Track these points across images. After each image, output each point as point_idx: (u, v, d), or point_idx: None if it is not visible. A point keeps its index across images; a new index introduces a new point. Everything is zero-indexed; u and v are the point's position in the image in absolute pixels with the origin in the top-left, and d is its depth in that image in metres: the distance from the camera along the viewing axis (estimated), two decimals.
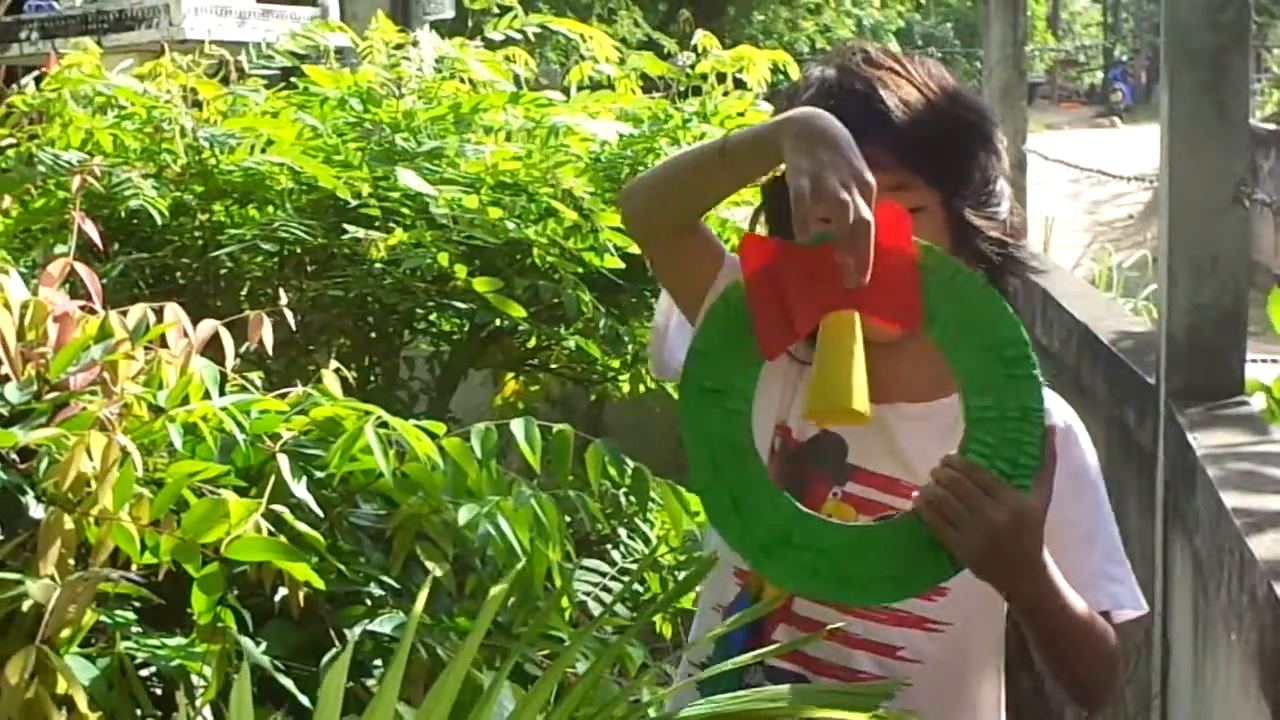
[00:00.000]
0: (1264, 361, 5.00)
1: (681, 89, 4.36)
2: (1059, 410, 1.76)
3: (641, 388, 4.19)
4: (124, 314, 2.53)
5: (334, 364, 2.71)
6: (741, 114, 4.19)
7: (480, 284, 3.50)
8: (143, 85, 3.96)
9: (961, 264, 1.64)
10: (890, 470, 1.77)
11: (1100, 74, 38.67)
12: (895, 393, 1.75)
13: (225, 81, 4.26)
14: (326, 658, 2.21)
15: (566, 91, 4.39)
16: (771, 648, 1.73)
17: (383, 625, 2.31)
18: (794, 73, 4.32)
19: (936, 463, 1.63)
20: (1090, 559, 1.76)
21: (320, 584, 2.21)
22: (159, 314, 2.57)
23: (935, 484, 1.58)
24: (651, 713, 1.76)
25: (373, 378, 4.01)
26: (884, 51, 1.79)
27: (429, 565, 2.37)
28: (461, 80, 4.19)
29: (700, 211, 1.81)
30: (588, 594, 2.84)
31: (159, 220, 3.55)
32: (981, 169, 1.78)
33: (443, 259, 3.45)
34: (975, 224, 1.75)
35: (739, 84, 4.31)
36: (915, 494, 1.61)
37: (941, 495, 1.58)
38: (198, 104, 4.00)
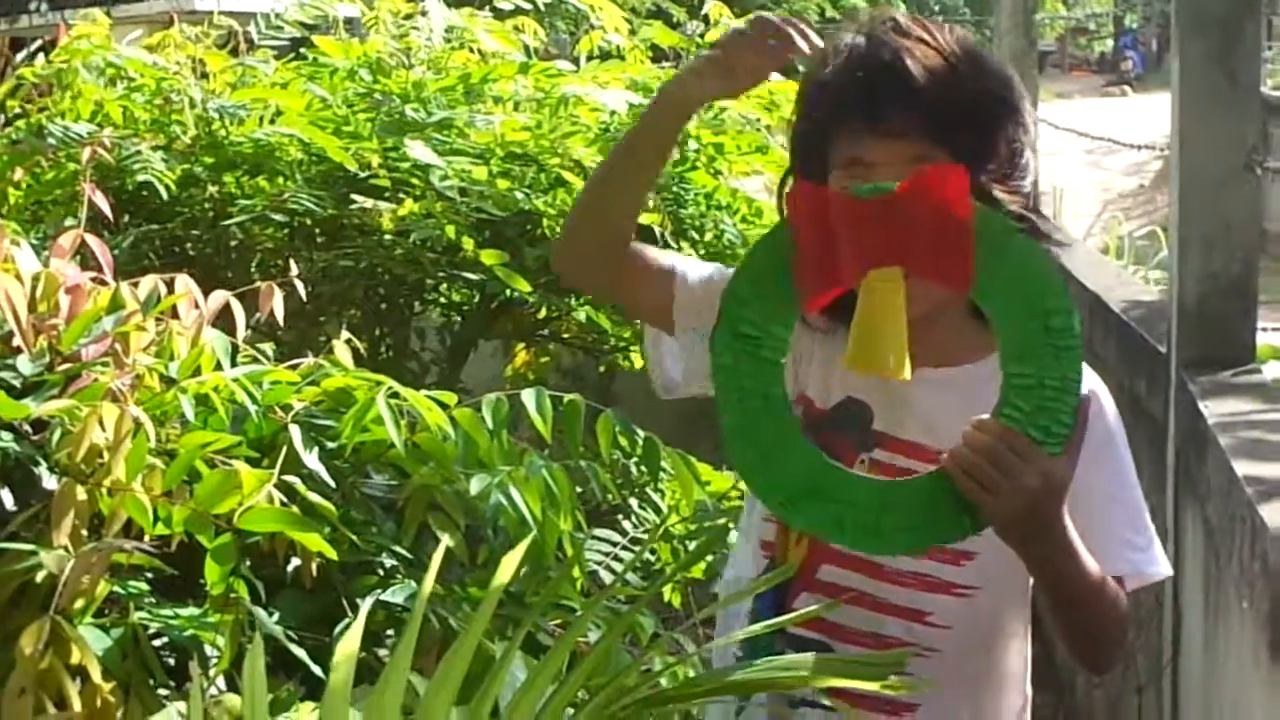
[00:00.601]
0: (1275, 330, 4.99)
1: (691, 58, 4.35)
2: (1084, 375, 1.75)
3: None
4: (135, 285, 2.54)
5: (345, 335, 2.72)
6: None
7: (488, 256, 3.50)
8: (152, 57, 3.96)
9: (1017, 229, 1.63)
10: (917, 436, 1.76)
11: (1111, 42, 38.51)
12: (922, 358, 1.73)
13: (234, 52, 4.26)
14: (339, 628, 2.22)
15: (576, 61, 4.38)
16: (795, 614, 1.73)
17: (395, 595, 2.32)
18: None
19: (961, 428, 1.63)
20: (1110, 524, 1.76)
21: (332, 554, 2.21)
22: (170, 285, 2.57)
23: (967, 446, 1.58)
24: (664, 682, 1.76)
25: (383, 348, 4.01)
26: (914, 20, 1.77)
27: (441, 535, 2.37)
28: (471, 50, 4.18)
29: (630, 217, 1.85)
30: (599, 564, 2.84)
31: (166, 194, 3.55)
32: (1008, 141, 1.76)
33: (450, 231, 3.45)
34: (1000, 198, 1.74)
35: None
36: (944, 455, 1.61)
37: (974, 459, 1.58)
38: (206, 75, 4.00)
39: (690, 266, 1.89)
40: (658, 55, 4.55)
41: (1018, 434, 1.58)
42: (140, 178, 3.52)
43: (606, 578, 2.76)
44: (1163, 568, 1.79)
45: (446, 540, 2.35)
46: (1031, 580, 1.77)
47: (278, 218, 3.61)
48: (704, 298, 1.83)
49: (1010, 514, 1.58)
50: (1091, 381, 1.78)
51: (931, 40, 1.75)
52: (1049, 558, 1.64)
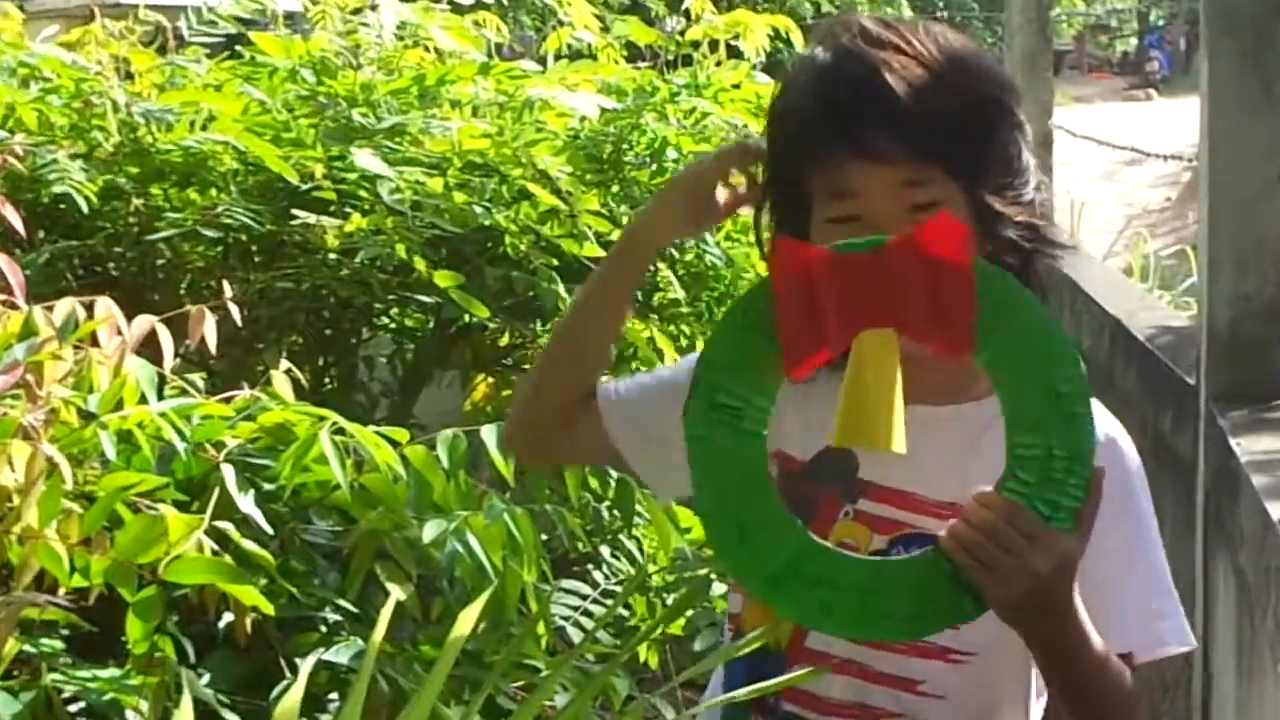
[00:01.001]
0: None
1: (670, 58, 4.37)
2: (1100, 419, 1.73)
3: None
4: (50, 309, 2.53)
5: (284, 364, 2.72)
6: (737, 86, 4.20)
7: (442, 277, 3.50)
8: (70, 55, 3.96)
9: (1023, 287, 1.63)
10: (905, 483, 1.76)
11: (1134, 41, 38.72)
12: (914, 394, 1.73)
13: (162, 51, 4.26)
14: (276, 690, 2.21)
15: (543, 61, 4.39)
16: (769, 684, 1.73)
17: (339, 654, 2.31)
18: (797, 40, 4.34)
19: (957, 475, 1.65)
20: (1128, 592, 1.75)
21: (269, 608, 2.21)
22: (89, 309, 2.57)
23: (969, 525, 1.58)
24: None
25: (327, 379, 4.00)
26: (883, 24, 1.76)
27: (390, 587, 2.37)
28: (426, 49, 4.19)
29: (597, 370, 1.90)
30: (566, 619, 2.84)
31: (87, 206, 3.55)
32: (1005, 148, 1.77)
33: (400, 250, 3.45)
34: (1002, 212, 1.75)
35: (734, 53, 4.31)
36: (943, 531, 1.61)
37: (975, 538, 1.58)
38: (131, 76, 4.00)
39: (620, 381, 1.94)
40: (633, 54, 4.57)
41: (1024, 510, 1.58)
42: (57, 189, 3.51)
43: (575, 635, 2.77)
44: (1187, 639, 1.79)
45: (397, 593, 2.35)
46: None
47: (210, 234, 3.61)
48: (640, 400, 1.88)
49: (1015, 598, 1.58)
50: (1109, 426, 1.79)
51: (908, 47, 1.73)
52: (1051, 641, 1.65)
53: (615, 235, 3.73)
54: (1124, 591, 1.74)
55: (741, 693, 1.72)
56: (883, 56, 1.72)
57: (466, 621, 1.50)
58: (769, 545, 1.62)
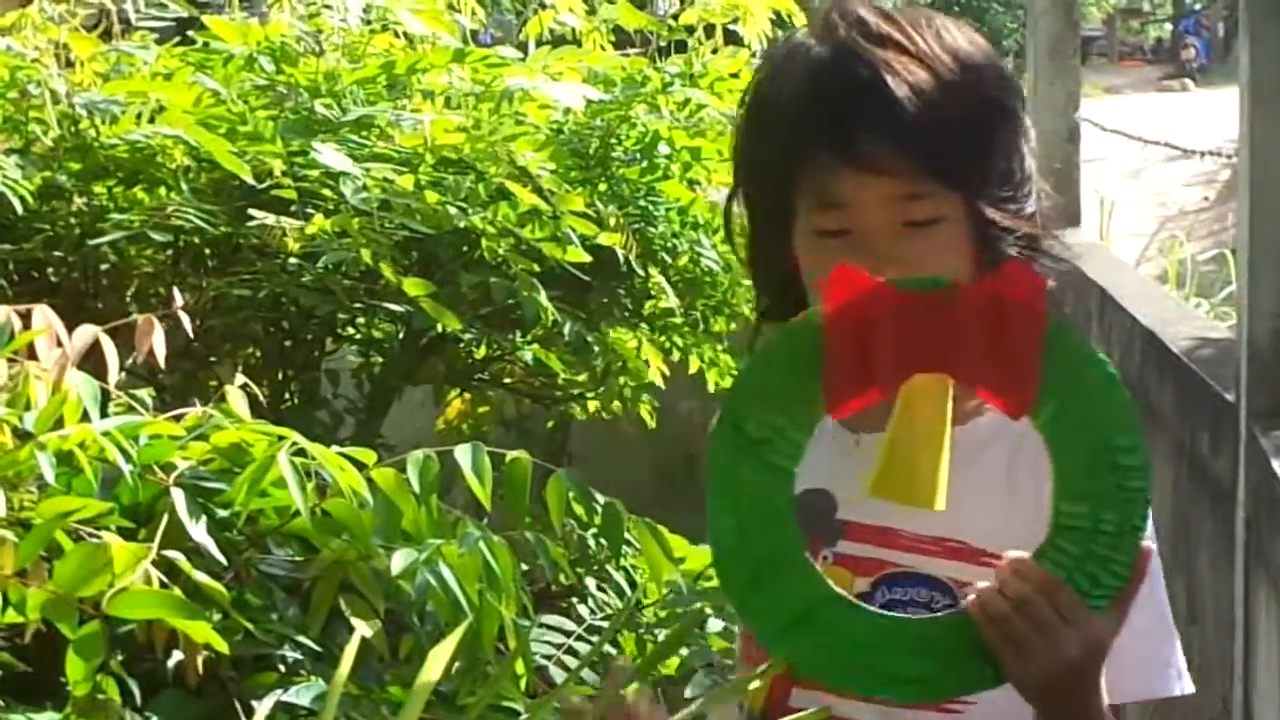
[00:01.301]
0: None
1: (662, 44, 4.37)
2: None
3: (615, 406, 4.20)
4: None
5: (240, 379, 2.72)
6: (735, 74, 4.21)
7: (411, 285, 3.50)
8: (4, 41, 3.96)
9: (1093, 347, 1.63)
10: (887, 519, 1.75)
11: (1169, 26, 38.84)
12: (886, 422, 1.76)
13: (106, 36, 4.26)
14: None
15: (523, 48, 4.40)
16: None
17: (299, 695, 2.31)
18: (801, 24, 4.34)
19: (959, 504, 1.65)
20: (1135, 641, 1.76)
21: (223, 646, 2.21)
22: (25, 318, 2.57)
23: (1001, 594, 1.58)
24: None
25: (287, 395, 4.01)
26: (884, 17, 1.74)
27: (355, 623, 2.37)
28: (396, 34, 4.20)
29: None
30: (548, 657, 2.84)
31: (23, 206, 3.54)
32: (1008, 157, 1.76)
33: (366, 255, 3.45)
34: (1004, 224, 1.75)
35: (732, 38, 4.32)
36: (971, 597, 1.61)
37: (1008, 614, 1.58)
38: (72, 64, 4.00)
39: None
40: (622, 40, 4.57)
41: (1063, 586, 1.58)
42: None
43: (558, 675, 2.77)
44: (1186, 686, 1.80)
45: (362, 628, 2.35)
46: None
47: (159, 236, 3.61)
48: None
49: (1039, 680, 1.59)
50: None
51: (911, 45, 1.72)
52: (1065, 712, 1.64)
53: (601, 238, 3.74)
54: (1131, 639, 1.75)
55: None
56: (884, 56, 1.70)
57: (439, 660, 1.50)
58: (785, 591, 1.62)
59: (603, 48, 4.38)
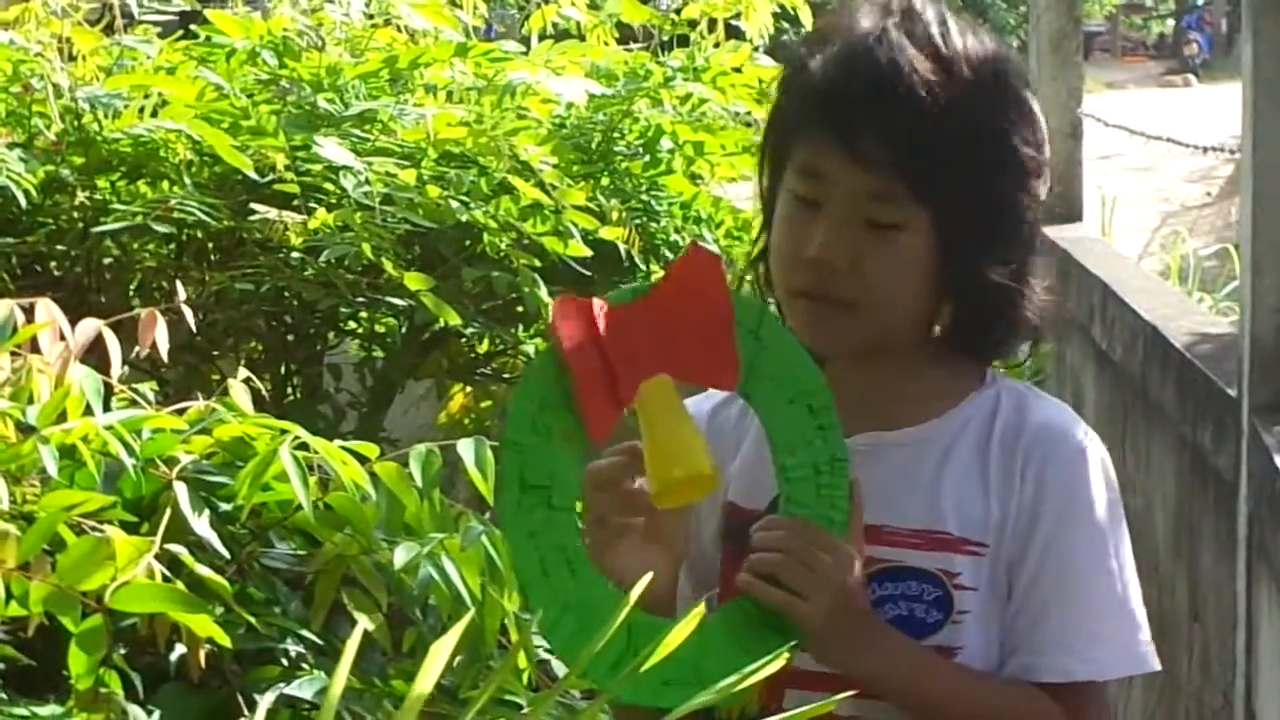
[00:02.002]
0: None
1: (665, 39, 4.37)
2: (1060, 425, 1.82)
3: None
4: None
5: (243, 372, 2.71)
6: (738, 69, 4.20)
7: (413, 280, 3.50)
8: (8, 35, 3.95)
9: (767, 308, 1.78)
10: (871, 517, 1.78)
11: (1171, 21, 38.83)
12: (861, 423, 1.80)
13: (109, 30, 4.26)
14: None
15: (525, 43, 4.39)
16: None
17: (301, 689, 2.31)
18: (806, 19, 4.35)
19: (924, 499, 1.75)
20: (1068, 612, 1.78)
21: (225, 640, 2.21)
22: (29, 312, 2.56)
23: (762, 549, 1.69)
24: None
25: (290, 389, 4.01)
26: (939, 19, 1.78)
27: (358, 616, 2.37)
28: (398, 28, 4.19)
29: None
30: (551, 651, 2.84)
31: (25, 200, 3.54)
32: (1001, 192, 1.78)
33: (367, 249, 3.45)
34: (975, 258, 1.77)
35: (734, 33, 4.32)
36: (740, 575, 1.70)
37: (779, 561, 1.68)
38: (75, 58, 4.00)
39: None
40: (625, 35, 4.57)
41: (810, 524, 1.71)
42: None
43: (560, 669, 2.76)
44: (1131, 667, 1.81)
45: (365, 622, 2.35)
46: None
47: (162, 229, 3.60)
48: None
49: (826, 614, 1.68)
50: (1072, 431, 1.83)
51: (945, 49, 1.76)
52: (882, 667, 1.72)
53: (603, 232, 3.74)
54: (1061, 609, 1.78)
55: None
56: (912, 55, 1.75)
57: (441, 654, 1.50)
58: (598, 625, 1.68)
59: (606, 42, 4.37)
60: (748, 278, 1.90)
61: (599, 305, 1.71)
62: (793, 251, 1.79)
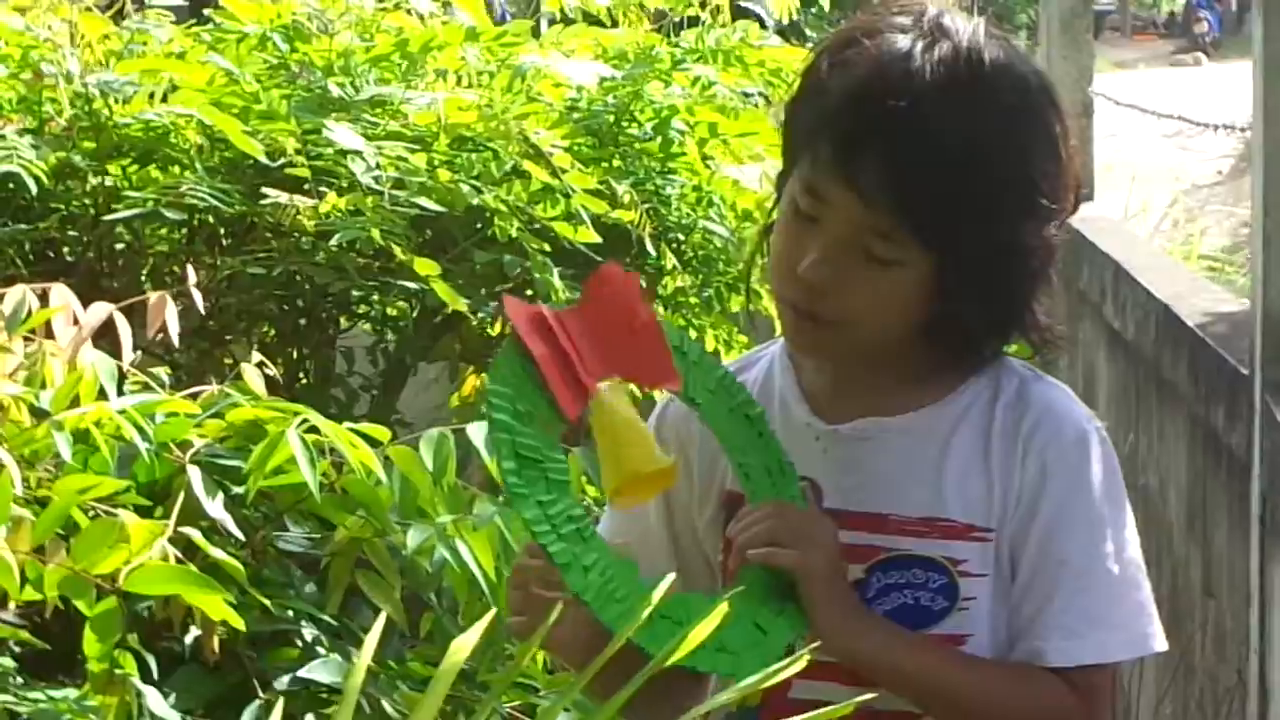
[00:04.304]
0: None
1: (677, 20, 4.36)
2: (1061, 408, 1.81)
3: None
4: None
5: (255, 356, 2.72)
6: (752, 47, 4.19)
7: (422, 265, 3.49)
8: (19, 19, 3.95)
9: (681, 332, 1.88)
10: (875, 505, 1.78)
11: (1181, 0, 38.71)
12: (860, 408, 1.80)
13: (120, 16, 4.26)
14: (248, 711, 2.21)
15: (536, 26, 4.38)
16: None
17: (314, 671, 2.31)
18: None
19: (928, 485, 1.76)
20: (1072, 593, 1.77)
21: (239, 622, 2.21)
22: (43, 297, 2.56)
23: (746, 523, 1.73)
24: None
25: (302, 373, 4.00)
26: (972, 45, 1.72)
27: (377, 601, 2.37)
28: (408, 11, 4.18)
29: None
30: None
31: (36, 186, 3.54)
32: (1010, 224, 1.73)
33: (375, 234, 3.45)
34: (973, 299, 1.75)
35: (742, 12, 4.30)
36: (733, 557, 1.74)
37: (763, 531, 1.72)
38: (86, 43, 3.99)
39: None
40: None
41: (780, 501, 1.76)
42: (3, 168, 3.50)
43: None
44: (1145, 646, 1.80)
45: (385, 608, 2.35)
46: None
47: (172, 215, 3.60)
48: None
49: (824, 566, 1.71)
50: (1073, 418, 1.81)
51: (971, 77, 1.70)
52: (890, 650, 1.73)
53: (616, 214, 3.72)
54: (1064, 593, 1.77)
55: None
56: (935, 97, 1.69)
57: (463, 648, 1.49)
58: (624, 584, 1.72)
59: (640, 23, 4.35)
60: (760, 259, 1.88)
61: (544, 309, 1.79)
62: (785, 263, 1.76)
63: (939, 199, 1.69)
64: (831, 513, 1.79)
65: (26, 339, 2.48)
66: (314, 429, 2.40)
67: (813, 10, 9.08)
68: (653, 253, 3.89)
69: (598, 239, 3.69)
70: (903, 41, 1.73)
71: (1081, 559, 1.77)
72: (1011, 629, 1.78)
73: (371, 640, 1.47)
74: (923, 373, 1.81)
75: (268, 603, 2.33)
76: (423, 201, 3.54)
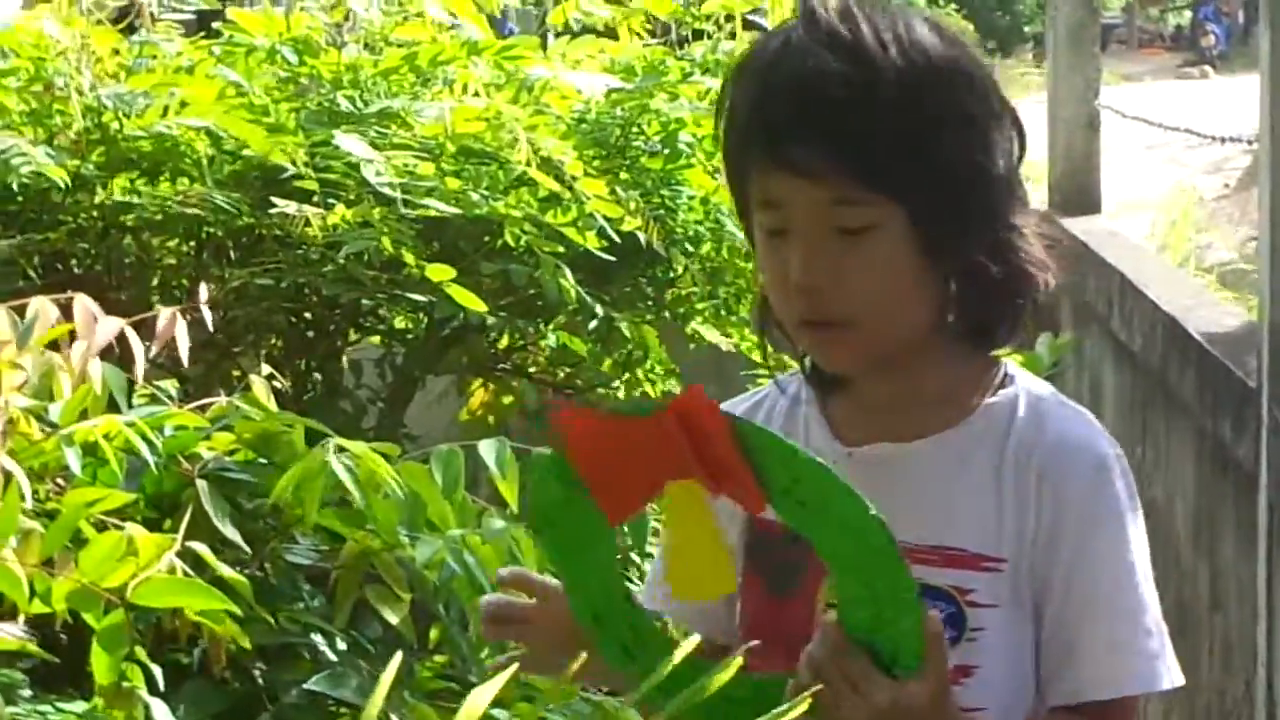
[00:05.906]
0: None
1: (684, 33, 4.36)
2: (1077, 438, 1.79)
3: (639, 394, 4.18)
4: (20, 311, 2.53)
5: (264, 369, 2.71)
6: None
7: (435, 271, 3.49)
8: (51, 24, 3.94)
9: (781, 437, 1.68)
10: (901, 533, 1.76)
11: (1188, 13, 38.72)
12: (874, 432, 1.79)
13: (131, 30, 4.26)
14: None
15: (543, 39, 4.38)
16: None
17: (323, 684, 2.31)
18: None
19: (941, 511, 1.73)
20: (1096, 627, 1.76)
21: (243, 638, 2.20)
22: (65, 309, 2.56)
23: (805, 662, 1.65)
24: None
25: (310, 386, 4.00)
26: (842, 15, 1.73)
27: (382, 612, 2.36)
28: (418, 15, 4.18)
29: None
30: None
31: (61, 189, 3.54)
32: (962, 160, 1.73)
33: (387, 244, 3.45)
34: (957, 242, 1.73)
35: (753, 24, 4.30)
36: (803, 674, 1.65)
37: (821, 666, 1.64)
38: (97, 57, 3.99)
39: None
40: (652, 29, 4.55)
41: (849, 654, 1.63)
42: (25, 170, 3.48)
43: None
44: (1153, 683, 1.77)
45: (392, 619, 2.35)
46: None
47: (186, 211, 3.59)
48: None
49: None
50: (1094, 443, 1.80)
51: (860, 47, 1.70)
52: None
53: (627, 223, 3.72)
54: (1093, 626, 1.75)
55: None
56: (825, 57, 1.70)
57: (481, 701, 1.47)
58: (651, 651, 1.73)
59: (639, 35, 4.35)
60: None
61: (597, 415, 1.71)
62: (778, 284, 1.76)
63: (880, 140, 1.69)
64: None
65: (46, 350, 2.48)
66: (341, 448, 2.40)
67: None
68: (664, 256, 3.89)
69: (610, 241, 3.67)
70: (784, 33, 1.76)
71: (1106, 595, 1.75)
72: (1045, 666, 1.77)
73: (393, 667, 1.46)
74: (938, 393, 1.78)
75: (272, 618, 2.33)
76: (433, 202, 3.53)
